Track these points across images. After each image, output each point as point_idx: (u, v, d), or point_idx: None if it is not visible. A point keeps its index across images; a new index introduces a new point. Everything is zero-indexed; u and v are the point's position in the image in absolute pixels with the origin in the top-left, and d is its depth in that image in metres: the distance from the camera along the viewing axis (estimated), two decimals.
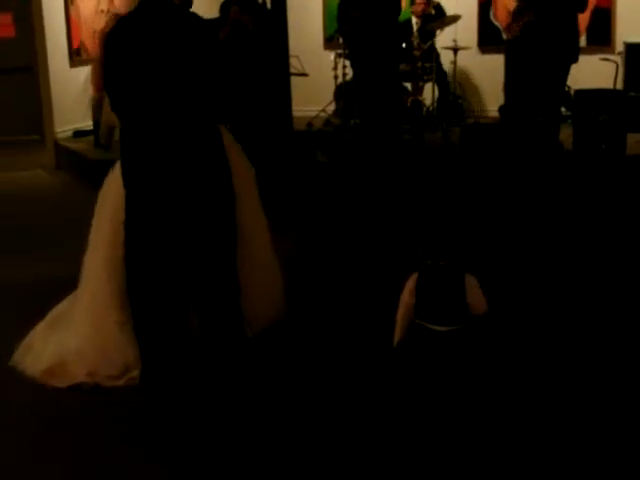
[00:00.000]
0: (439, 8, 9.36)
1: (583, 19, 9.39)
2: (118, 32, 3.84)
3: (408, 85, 9.24)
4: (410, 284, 3.64)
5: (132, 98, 3.79)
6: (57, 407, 3.84)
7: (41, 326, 4.34)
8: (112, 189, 4.12)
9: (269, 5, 7.74)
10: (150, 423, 3.65)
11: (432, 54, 8.96)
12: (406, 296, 3.64)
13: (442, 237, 3.58)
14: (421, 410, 3.52)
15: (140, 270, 3.96)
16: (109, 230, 4.09)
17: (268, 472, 3.26)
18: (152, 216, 3.89)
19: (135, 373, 3.98)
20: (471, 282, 3.58)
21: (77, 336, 4.08)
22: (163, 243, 3.91)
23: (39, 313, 4.44)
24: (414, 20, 9.39)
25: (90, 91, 9.29)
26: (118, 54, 3.80)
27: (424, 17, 9.38)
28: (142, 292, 3.99)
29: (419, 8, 9.35)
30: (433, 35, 9.15)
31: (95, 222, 4.22)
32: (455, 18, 9.09)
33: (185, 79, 3.74)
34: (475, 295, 3.57)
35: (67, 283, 4.39)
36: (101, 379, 3.96)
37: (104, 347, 4.03)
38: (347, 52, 8.89)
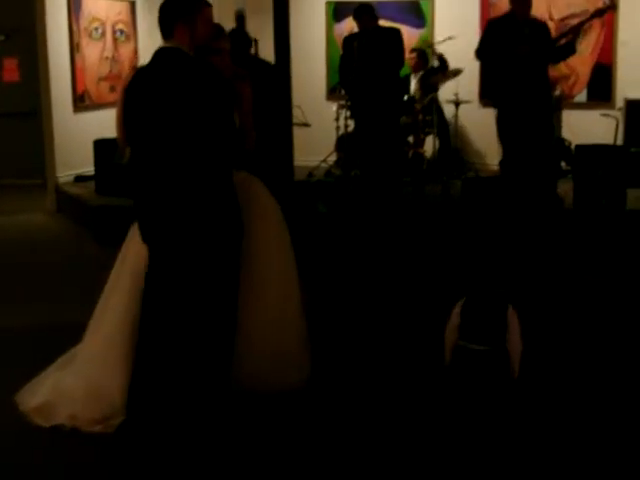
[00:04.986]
0: (442, 60, 9.42)
1: (584, 75, 9.52)
2: (133, 84, 3.95)
3: (410, 138, 9.29)
4: (457, 309, 4.00)
5: (146, 148, 3.88)
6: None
7: (52, 366, 4.38)
8: (135, 237, 4.14)
9: (260, 54, 7.84)
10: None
11: (433, 107, 9.01)
12: (453, 320, 4.00)
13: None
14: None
15: (155, 314, 3.95)
16: (129, 280, 4.13)
17: None
18: (170, 268, 3.90)
19: (116, 421, 3.97)
20: (513, 317, 3.90)
21: (73, 376, 4.13)
22: (181, 295, 3.91)
23: (39, 359, 4.47)
24: (411, 75, 9.51)
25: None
26: (132, 105, 3.91)
27: (426, 71, 9.49)
28: (154, 337, 3.96)
29: (411, 62, 9.47)
30: (435, 89, 9.21)
31: (115, 268, 4.27)
32: (457, 72, 9.16)
33: (195, 129, 3.78)
34: (514, 333, 3.90)
35: (66, 329, 4.38)
36: (81, 423, 3.96)
37: (97, 389, 4.04)
38: (349, 104, 8.95)
